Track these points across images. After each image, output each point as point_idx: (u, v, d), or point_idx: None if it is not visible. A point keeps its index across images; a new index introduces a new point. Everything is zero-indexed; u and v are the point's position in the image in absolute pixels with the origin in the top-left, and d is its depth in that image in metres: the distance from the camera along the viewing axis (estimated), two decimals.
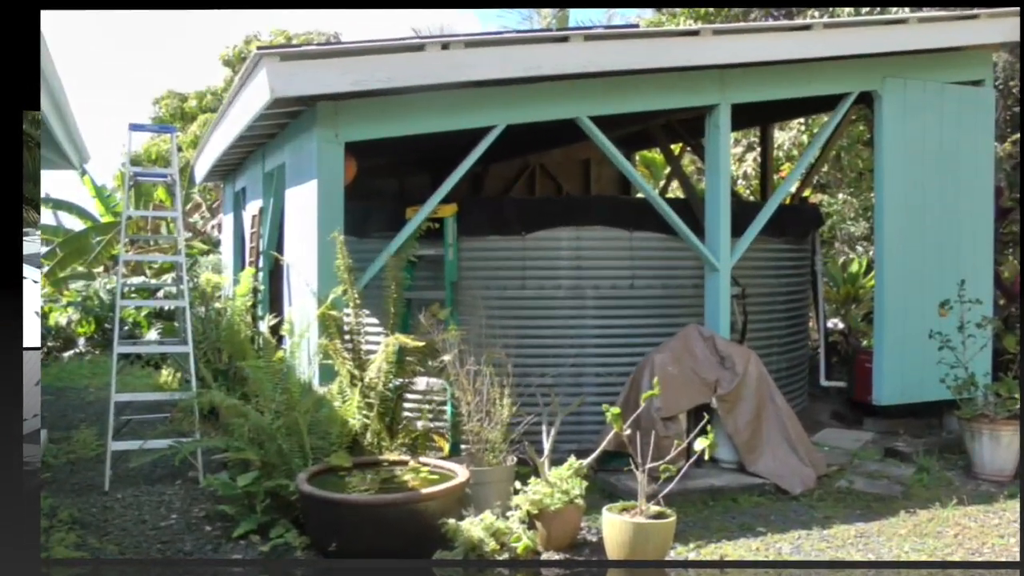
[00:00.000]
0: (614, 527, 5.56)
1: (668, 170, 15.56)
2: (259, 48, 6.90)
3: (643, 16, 20.16)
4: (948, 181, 9.10)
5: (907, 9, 11.72)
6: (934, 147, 9.04)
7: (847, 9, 13.26)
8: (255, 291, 9.56)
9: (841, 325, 12.63)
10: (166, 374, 10.88)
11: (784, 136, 15.15)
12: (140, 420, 8.98)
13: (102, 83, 64.91)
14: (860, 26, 8.50)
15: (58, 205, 19.95)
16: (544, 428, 6.66)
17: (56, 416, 10.19)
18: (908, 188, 8.92)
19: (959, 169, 9.17)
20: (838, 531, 6.27)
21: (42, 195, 19.27)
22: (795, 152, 15.02)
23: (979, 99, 9.35)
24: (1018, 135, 12.58)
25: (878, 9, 12.93)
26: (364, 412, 6.67)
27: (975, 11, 8.73)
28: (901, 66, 8.88)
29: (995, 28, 8.84)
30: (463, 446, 7.11)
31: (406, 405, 7.34)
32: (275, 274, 9.59)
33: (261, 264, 9.85)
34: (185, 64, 60.04)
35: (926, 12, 10.08)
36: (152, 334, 13.35)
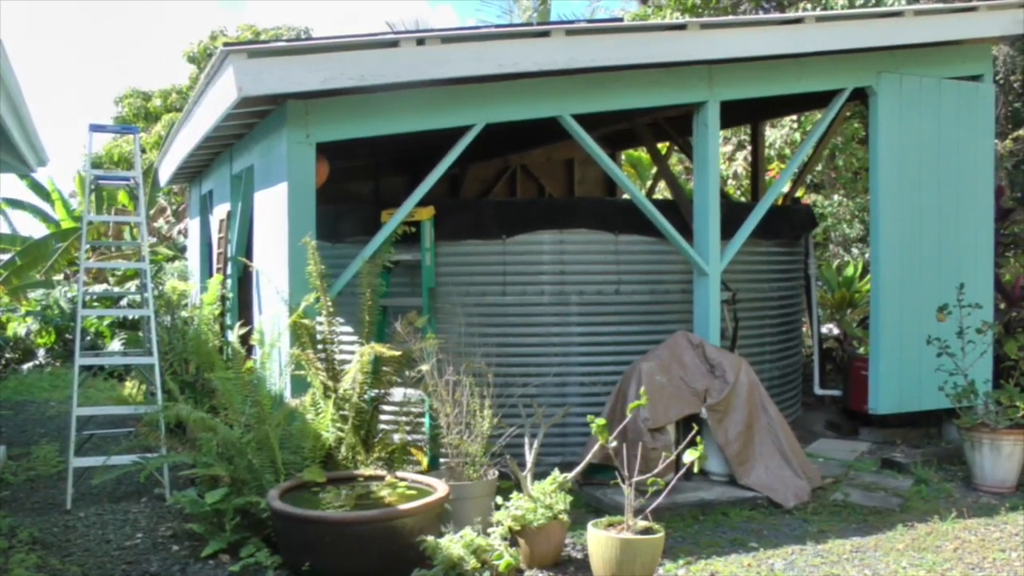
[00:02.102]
0: (600, 543, 5.47)
1: (655, 170, 15.39)
2: (225, 44, 6.68)
3: (627, 9, 20.03)
4: (946, 180, 9.02)
5: (903, 1, 11.55)
6: (932, 145, 8.95)
7: (840, 2, 13.10)
8: (223, 299, 9.43)
9: (836, 331, 12.46)
10: (130, 386, 10.75)
11: (776, 134, 15.03)
12: (103, 435, 8.96)
13: (60, 81, 64.92)
14: (854, 19, 8.41)
15: (20, 205, 19.65)
16: (527, 440, 6.57)
17: (15, 431, 10.13)
18: (905, 188, 8.82)
19: (958, 168, 9.09)
20: (833, 546, 6.19)
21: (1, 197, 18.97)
22: (787, 151, 14.89)
23: (978, 95, 9.24)
24: (1020, 132, 12.42)
25: (873, 1, 12.76)
26: (338, 425, 6.57)
27: (973, 3, 8.60)
28: (897, 61, 8.79)
29: (995, 21, 8.76)
30: (442, 460, 6.98)
31: (382, 417, 7.23)
32: (244, 281, 9.44)
33: (229, 271, 9.72)
34: (148, 61, 59.95)
35: (922, 4, 9.89)
36: (115, 344, 13.20)
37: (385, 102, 7.12)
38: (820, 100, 9.45)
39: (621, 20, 14.66)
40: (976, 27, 8.76)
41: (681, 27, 7.63)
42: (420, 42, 6.77)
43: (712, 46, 7.68)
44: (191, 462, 6.61)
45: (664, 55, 7.55)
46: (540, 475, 6.18)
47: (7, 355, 14.80)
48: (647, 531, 5.48)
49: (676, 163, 18.06)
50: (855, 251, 16.24)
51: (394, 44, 6.74)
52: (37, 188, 19.51)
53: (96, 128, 8.25)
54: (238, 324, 8.83)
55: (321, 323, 6.88)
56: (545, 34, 7.17)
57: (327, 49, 6.56)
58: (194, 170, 12.33)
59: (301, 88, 6.53)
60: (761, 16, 11.17)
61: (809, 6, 13.82)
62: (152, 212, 19.63)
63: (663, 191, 16.38)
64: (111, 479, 7.46)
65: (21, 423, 10.59)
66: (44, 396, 12.44)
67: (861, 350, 10.00)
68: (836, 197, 15.85)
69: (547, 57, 7.10)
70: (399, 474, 6.26)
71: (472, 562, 5.44)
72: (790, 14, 9.56)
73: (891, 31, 8.38)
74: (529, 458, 6.27)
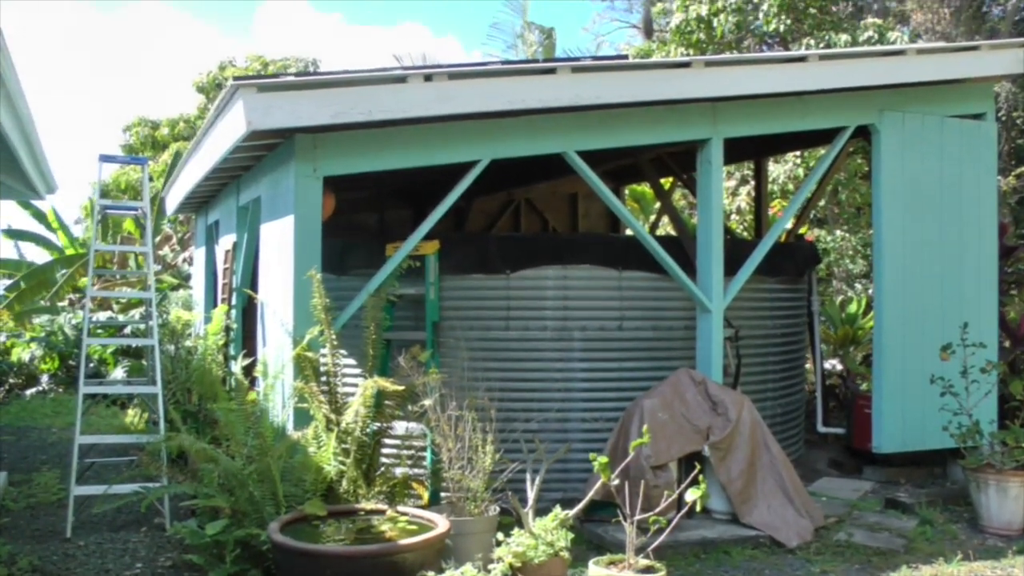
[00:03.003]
0: None
1: (658, 205, 15.42)
2: (235, 78, 6.72)
3: (632, 44, 20.13)
4: (949, 218, 9.00)
5: (905, 39, 11.62)
6: (934, 183, 8.93)
7: (843, 40, 13.17)
8: (227, 330, 9.40)
9: (839, 366, 12.41)
10: (132, 414, 10.70)
11: (779, 169, 15.04)
12: (105, 463, 8.95)
13: (68, 108, 65.32)
14: (856, 58, 8.41)
15: (21, 236, 19.64)
16: (528, 476, 6.53)
17: (16, 458, 10.07)
18: (907, 225, 8.81)
19: (961, 205, 9.07)
20: None
21: (3, 226, 18.92)
22: (790, 186, 14.90)
23: (980, 133, 9.25)
24: (1023, 169, 12.45)
25: (876, 38, 12.83)
26: (340, 458, 6.53)
27: (975, 42, 8.61)
28: (899, 99, 8.81)
29: (996, 60, 8.79)
30: (443, 495, 6.96)
31: (384, 451, 7.20)
32: (249, 312, 9.41)
33: (234, 301, 9.68)
34: (157, 89, 60.24)
35: (924, 43, 9.95)
36: (118, 372, 13.14)
37: (392, 137, 7.15)
38: (823, 137, 9.45)
39: (626, 57, 14.77)
40: (978, 66, 8.80)
41: (685, 65, 7.66)
42: (428, 78, 6.80)
43: (716, 84, 7.71)
44: (192, 493, 6.57)
45: (668, 93, 7.57)
46: (542, 511, 6.14)
47: (11, 381, 14.77)
48: (648, 569, 5.43)
49: (680, 198, 18.09)
50: (859, 287, 16.22)
51: (402, 80, 6.77)
52: (40, 216, 19.57)
53: (106, 158, 8.29)
54: (242, 355, 8.79)
55: (325, 356, 6.86)
56: (551, 71, 7.20)
57: (336, 84, 6.59)
58: (201, 200, 12.34)
59: (310, 123, 6.55)
60: (765, 54, 11.23)
61: (812, 43, 13.91)
62: (157, 240, 19.67)
63: (666, 226, 16.39)
64: (112, 508, 7.42)
65: (23, 449, 10.53)
66: (46, 423, 12.37)
67: (864, 387, 9.95)
68: (839, 232, 15.85)
69: (553, 94, 7.13)
70: (400, 508, 6.21)
71: None
72: (793, 52, 9.61)
73: (893, 69, 8.42)
74: (531, 494, 6.24)
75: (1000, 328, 9.55)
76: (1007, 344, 10.29)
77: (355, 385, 6.93)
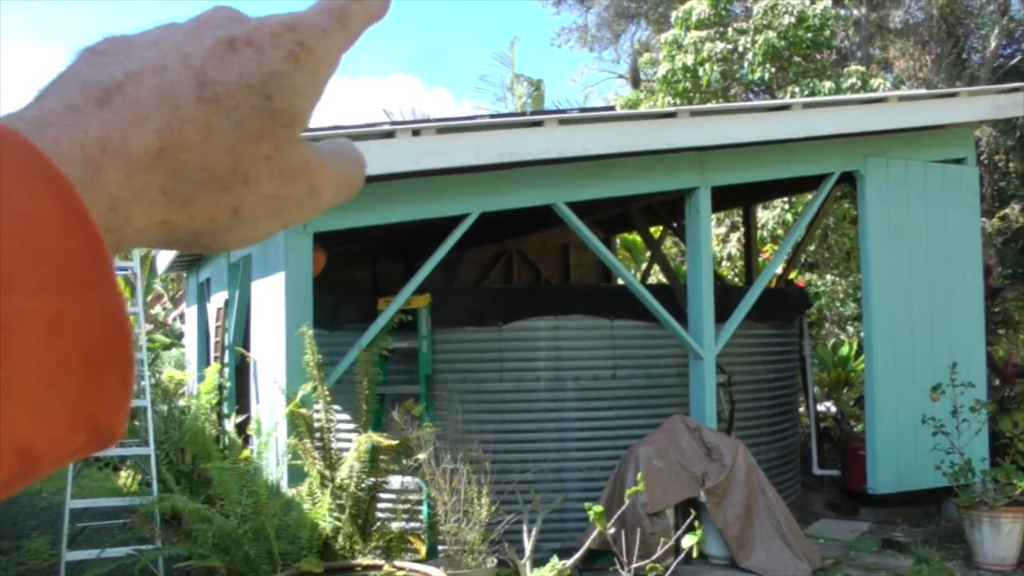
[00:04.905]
0: None
1: (649, 253, 15.50)
2: None
3: (620, 94, 20.33)
4: (935, 261, 9.06)
5: (888, 87, 11.80)
6: (919, 226, 9.00)
7: (827, 87, 13.35)
8: (220, 388, 9.31)
9: (833, 409, 12.41)
10: (125, 476, 10.60)
11: (768, 215, 15.15)
12: (97, 527, 8.78)
13: None
14: (840, 105, 8.51)
15: None
16: (525, 527, 6.49)
17: (6, 524, 9.93)
18: (894, 269, 8.86)
19: (946, 248, 9.13)
20: None
21: None
22: (779, 231, 15.00)
23: (962, 177, 9.34)
24: (1006, 210, 12.58)
25: (859, 86, 13.01)
26: (335, 514, 6.49)
27: (955, 89, 8.75)
28: (882, 145, 8.89)
29: (975, 106, 8.89)
30: (440, 548, 6.89)
31: (380, 505, 7.16)
32: (242, 370, 9.36)
33: (227, 359, 9.64)
34: None
35: (906, 91, 10.10)
36: None
37: (381, 192, 7.18)
38: (810, 183, 9.53)
39: (613, 108, 14.92)
40: (957, 112, 8.91)
41: (671, 115, 7.75)
42: (416, 133, 6.86)
43: (702, 133, 7.77)
44: (187, 554, 6.52)
45: (655, 143, 7.62)
46: (539, 562, 6.13)
47: None
48: None
49: (671, 245, 18.18)
50: (851, 329, 16.27)
51: (390, 135, 6.82)
52: None
53: None
54: (235, 413, 8.76)
55: (318, 412, 6.83)
56: (538, 123, 7.27)
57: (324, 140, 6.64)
58: (192, 258, 12.34)
59: None
60: (749, 103, 11.37)
61: (797, 91, 14.09)
62: (149, 298, 19.67)
63: (657, 274, 16.45)
64: (104, 572, 7.27)
65: (12, 516, 10.37)
66: (36, 487, 12.14)
67: (858, 429, 9.95)
68: (829, 276, 15.94)
69: (540, 146, 7.18)
70: (397, 563, 6.16)
71: None
72: (778, 100, 9.73)
73: (876, 116, 8.51)
74: (528, 545, 6.22)
75: (988, 367, 9.59)
76: (996, 383, 10.33)
77: (349, 440, 6.89)
